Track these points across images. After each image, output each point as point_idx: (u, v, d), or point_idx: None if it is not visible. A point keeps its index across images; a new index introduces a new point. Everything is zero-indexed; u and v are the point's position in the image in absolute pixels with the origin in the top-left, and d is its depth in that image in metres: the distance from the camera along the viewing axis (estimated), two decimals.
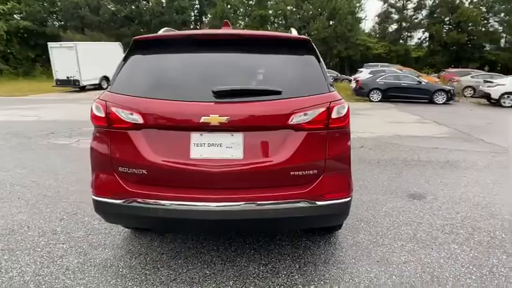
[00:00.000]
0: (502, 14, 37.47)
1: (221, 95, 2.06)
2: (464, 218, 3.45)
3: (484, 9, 38.24)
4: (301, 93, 2.14)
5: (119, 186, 2.16)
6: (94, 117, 2.20)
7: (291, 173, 2.12)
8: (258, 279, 2.42)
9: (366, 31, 44.40)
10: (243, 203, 2.08)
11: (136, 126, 2.10)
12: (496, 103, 15.41)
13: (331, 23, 41.02)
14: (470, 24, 37.39)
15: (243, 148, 2.09)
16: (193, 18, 49.97)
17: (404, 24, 42.03)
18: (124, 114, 2.10)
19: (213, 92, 2.05)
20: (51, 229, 3.13)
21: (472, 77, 19.96)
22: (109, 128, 2.16)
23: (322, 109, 2.11)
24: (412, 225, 3.29)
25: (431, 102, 15.73)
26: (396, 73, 17.51)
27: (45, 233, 3.06)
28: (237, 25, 47.65)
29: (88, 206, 3.54)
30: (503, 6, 36.23)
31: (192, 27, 49.66)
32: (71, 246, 2.84)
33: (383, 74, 17.19)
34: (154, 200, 2.11)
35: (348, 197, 2.25)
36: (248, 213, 2.10)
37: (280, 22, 46.16)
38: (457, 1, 37.57)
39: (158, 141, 2.12)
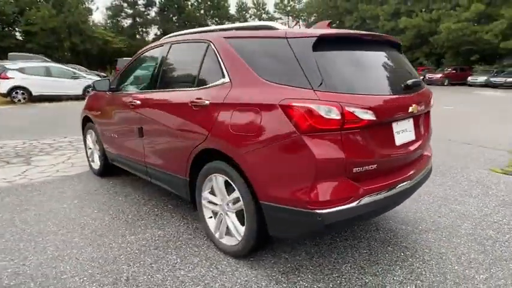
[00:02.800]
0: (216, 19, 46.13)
1: (409, 87, 2.40)
2: None
3: (202, 12, 45.50)
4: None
5: (351, 189, 2.07)
6: (320, 120, 1.96)
7: (428, 144, 2.79)
8: (379, 246, 2.89)
9: (99, 24, 42.35)
10: (421, 172, 2.58)
11: (368, 124, 2.08)
12: None
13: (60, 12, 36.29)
14: (193, 23, 43.58)
15: (414, 130, 2.55)
16: None
17: (138, 19, 43.20)
18: (361, 113, 2.03)
19: (406, 85, 2.36)
20: None
21: None
22: (341, 130, 2.00)
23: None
24: None
25: None
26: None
27: None
28: None
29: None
30: (217, 11, 44.65)
31: None
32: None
33: None
34: (381, 191, 2.20)
35: None
36: (423, 179, 2.62)
37: None
38: (182, 2, 42.67)
39: (377, 135, 2.20)
